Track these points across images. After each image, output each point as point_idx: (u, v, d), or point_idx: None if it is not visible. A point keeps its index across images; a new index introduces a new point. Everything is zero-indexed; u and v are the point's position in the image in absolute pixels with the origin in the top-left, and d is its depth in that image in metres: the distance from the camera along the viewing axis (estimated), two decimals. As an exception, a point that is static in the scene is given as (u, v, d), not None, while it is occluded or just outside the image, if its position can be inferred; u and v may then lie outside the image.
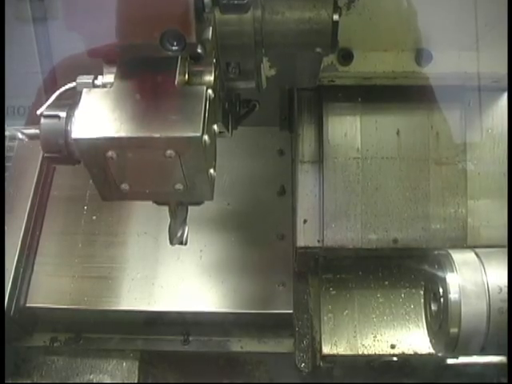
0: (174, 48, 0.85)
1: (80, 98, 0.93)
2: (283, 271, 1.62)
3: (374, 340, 1.40)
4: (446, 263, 0.96)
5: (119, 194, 0.98)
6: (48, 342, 1.67)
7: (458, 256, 0.97)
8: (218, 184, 1.78)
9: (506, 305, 0.90)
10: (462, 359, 1.20)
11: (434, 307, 1.00)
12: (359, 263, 1.46)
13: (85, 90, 0.94)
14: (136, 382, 1.61)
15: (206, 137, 0.89)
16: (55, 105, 1.00)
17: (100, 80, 0.96)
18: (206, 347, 1.65)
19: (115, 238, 1.73)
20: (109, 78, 0.95)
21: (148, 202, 1.74)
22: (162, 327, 1.65)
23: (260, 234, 1.70)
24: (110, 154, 0.90)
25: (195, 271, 1.65)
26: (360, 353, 1.39)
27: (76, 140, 0.89)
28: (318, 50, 1.02)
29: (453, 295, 0.93)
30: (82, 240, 1.73)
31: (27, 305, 1.63)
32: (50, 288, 1.65)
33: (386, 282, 1.45)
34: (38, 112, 0.99)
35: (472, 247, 1.03)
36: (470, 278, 0.93)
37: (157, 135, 0.88)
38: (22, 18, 1.71)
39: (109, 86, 0.94)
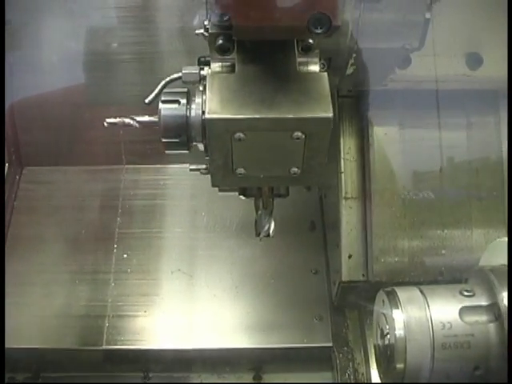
0: (318, 31, 0.87)
1: (204, 83, 0.96)
2: (319, 305, 1.65)
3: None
4: (392, 300, 0.98)
5: (233, 178, 1.00)
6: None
7: (402, 293, 0.99)
8: (250, 220, 1.80)
9: (449, 340, 0.92)
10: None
11: (380, 343, 1.02)
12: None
13: (209, 75, 0.97)
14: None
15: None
16: (167, 93, 1.02)
17: (206, 70, 0.99)
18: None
19: (148, 276, 1.74)
20: (216, 66, 0.98)
21: (179, 240, 1.79)
22: (202, 365, 1.65)
23: (294, 268, 1.73)
24: (237, 135, 0.92)
25: (232, 308, 1.67)
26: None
27: (209, 120, 0.91)
28: (407, 46, 1.06)
29: (398, 331, 0.94)
30: (114, 279, 1.73)
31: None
32: (83, 328, 1.65)
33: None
34: (146, 100, 1.03)
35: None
36: (414, 315, 0.94)
37: (289, 116, 0.90)
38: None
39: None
